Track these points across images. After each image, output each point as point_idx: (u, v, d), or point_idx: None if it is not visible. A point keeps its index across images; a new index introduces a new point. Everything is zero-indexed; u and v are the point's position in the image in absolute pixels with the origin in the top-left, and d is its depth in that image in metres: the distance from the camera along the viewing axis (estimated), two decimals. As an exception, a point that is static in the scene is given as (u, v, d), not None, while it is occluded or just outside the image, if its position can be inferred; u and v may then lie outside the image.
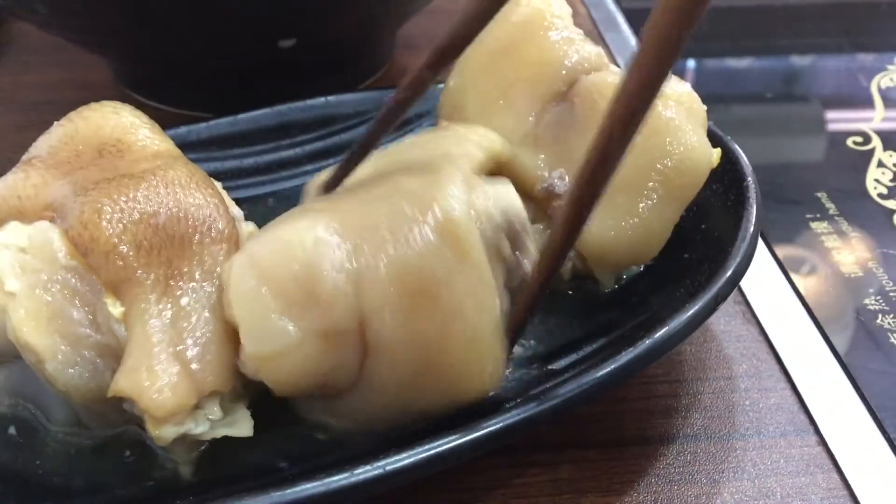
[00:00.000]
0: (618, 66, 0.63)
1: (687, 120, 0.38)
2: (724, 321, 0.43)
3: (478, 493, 0.35)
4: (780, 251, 0.47)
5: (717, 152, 0.38)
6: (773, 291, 0.45)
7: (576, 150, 0.38)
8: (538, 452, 0.36)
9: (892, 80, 0.63)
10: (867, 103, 0.61)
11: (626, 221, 0.37)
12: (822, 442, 0.37)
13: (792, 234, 0.49)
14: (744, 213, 0.38)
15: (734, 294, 0.44)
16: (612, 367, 0.32)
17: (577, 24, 0.71)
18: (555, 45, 0.40)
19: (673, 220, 0.38)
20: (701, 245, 0.39)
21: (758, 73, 0.65)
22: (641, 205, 0.37)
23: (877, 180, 0.53)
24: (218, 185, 0.36)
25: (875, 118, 0.59)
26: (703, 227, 0.40)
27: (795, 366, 0.40)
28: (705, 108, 0.39)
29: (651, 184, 0.37)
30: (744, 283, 0.45)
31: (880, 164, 0.54)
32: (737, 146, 0.41)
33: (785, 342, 0.42)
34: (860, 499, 0.35)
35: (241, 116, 0.47)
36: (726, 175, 0.40)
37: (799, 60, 0.67)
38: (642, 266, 0.41)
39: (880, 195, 0.52)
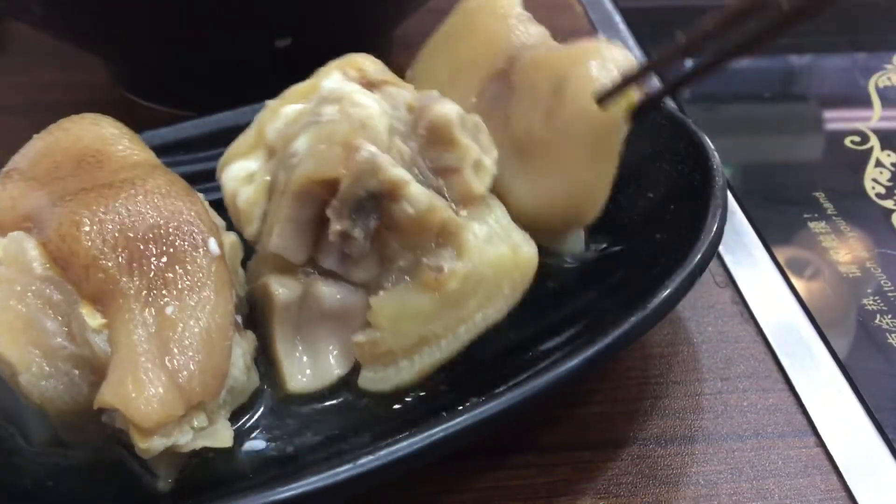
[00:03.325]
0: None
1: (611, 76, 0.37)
2: (721, 321, 0.43)
3: (473, 494, 0.35)
4: (778, 251, 0.47)
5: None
6: (770, 291, 0.44)
7: (512, 117, 0.40)
8: (533, 454, 0.36)
9: (889, 79, 0.63)
10: (865, 103, 0.60)
11: (553, 180, 0.38)
12: (821, 443, 0.37)
13: (789, 234, 0.49)
14: (710, 191, 0.38)
15: (731, 294, 0.44)
16: (584, 355, 0.32)
17: (574, 24, 0.71)
18: (500, 28, 0.42)
19: (605, 174, 0.38)
20: (671, 225, 0.39)
21: (755, 73, 0.65)
22: (564, 162, 0.38)
23: (874, 180, 0.53)
24: (200, 196, 0.36)
25: (873, 117, 0.59)
26: (672, 207, 0.40)
27: (793, 366, 0.40)
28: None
29: (572, 140, 0.37)
30: (741, 283, 0.45)
31: (878, 164, 0.54)
32: (695, 127, 0.42)
33: (783, 343, 0.41)
34: (859, 500, 0.35)
35: (223, 115, 0.46)
36: (691, 156, 0.40)
37: (796, 60, 0.67)
38: (616, 247, 0.41)
39: (878, 195, 0.52)
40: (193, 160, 0.45)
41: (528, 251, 0.37)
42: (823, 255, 0.47)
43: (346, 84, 0.37)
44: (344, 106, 0.36)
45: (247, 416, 0.35)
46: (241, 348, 0.34)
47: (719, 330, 0.42)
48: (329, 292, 0.36)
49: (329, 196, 0.34)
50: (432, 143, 0.37)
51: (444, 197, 0.36)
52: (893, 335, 0.42)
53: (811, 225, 0.49)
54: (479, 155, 0.37)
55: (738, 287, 0.45)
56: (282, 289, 0.35)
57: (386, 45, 0.62)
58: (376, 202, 0.34)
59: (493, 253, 0.35)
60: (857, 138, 0.57)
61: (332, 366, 0.36)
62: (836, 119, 0.60)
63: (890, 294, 0.44)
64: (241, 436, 0.34)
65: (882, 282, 0.45)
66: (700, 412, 0.38)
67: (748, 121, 0.60)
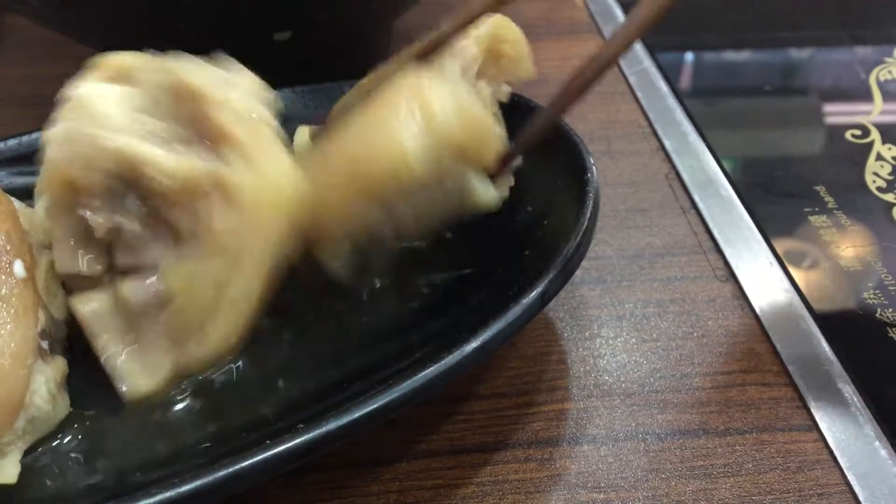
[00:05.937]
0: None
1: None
2: (721, 316, 0.43)
3: (473, 487, 0.35)
4: (778, 245, 0.47)
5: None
6: (771, 286, 0.44)
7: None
8: (534, 447, 0.36)
9: (890, 72, 0.63)
10: (866, 96, 0.60)
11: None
12: (821, 438, 0.37)
13: (790, 228, 0.49)
14: (582, 208, 0.37)
15: (732, 288, 0.44)
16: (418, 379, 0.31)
17: (574, 16, 0.70)
18: None
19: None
20: (539, 243, 0.38)
21: (756, 66, 0.65)
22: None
23: (875, 173, 0.53)
24: (30, 210, 0.35)
25: (874, 111, 0.59)
26: (545, 223, 0.39)
27: (794, 361, 0.40)
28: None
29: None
30: (742, 277, 0.44)
31: (879, 158, 0.54)
32: (578, 140, 0.40)
33: (783, 337, 0.41)
34: (859, 495, 0.35)
35: None
36: (569, 170, 0.39)
37: (797, 53, 0.67)
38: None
39: (879, 188, 0.52)
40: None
41: (281, 175, 0.34)
42: (824, 248, 0.47)
43: (85, 85, 0.35)
44: (73, 107, 0.34)
45: (49, 447, 0.33)
46: (45, 375, 0.33)
47: (720, 324, 0.42)
48: (132, 288, 0.34)
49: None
50: (184, 111, 0.34)
51: (213, 156, 0.34)
52: (894, 329, 0.42)
53: (812, 218, 0.49)
54: (225, 96, 0.35)
55: (738, 281, 0.44)
56: (86, 305, 0.34)
57: (386, 38, 0.62)
58: (126, 184, 0.32)
59: (260, 190, 0.33)
60: (857, 132, 0.57)
61: (163, 358, 0.35)
62: (837, 112, 0.59)
63: (891, 288, 0.44)
64: (39, 467, 0.32)
65: (883, 276, 0.45)
66: (700, 406, 0.38)
67: (748, 114, 0.60)
